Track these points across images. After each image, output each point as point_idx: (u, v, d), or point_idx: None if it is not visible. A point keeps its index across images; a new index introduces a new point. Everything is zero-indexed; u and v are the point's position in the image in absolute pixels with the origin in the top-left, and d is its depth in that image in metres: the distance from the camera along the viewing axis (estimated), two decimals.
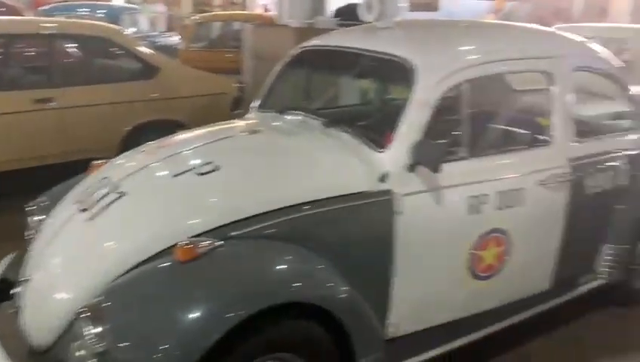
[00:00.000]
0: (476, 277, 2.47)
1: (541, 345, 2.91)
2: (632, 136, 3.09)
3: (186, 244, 1.84)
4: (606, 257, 2.99)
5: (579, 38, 3.15)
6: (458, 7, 16.89)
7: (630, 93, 3.16)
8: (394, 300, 2.27)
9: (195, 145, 2.53)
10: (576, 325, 3.09)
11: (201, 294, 1.78)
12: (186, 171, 2.24)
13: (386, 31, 2.93)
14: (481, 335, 2.53)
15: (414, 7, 11.45)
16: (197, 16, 10.93)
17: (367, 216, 2.16)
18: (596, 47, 3.13)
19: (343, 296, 1.98)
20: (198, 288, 1.80)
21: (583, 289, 2.96)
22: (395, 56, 2.47)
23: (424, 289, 2.36)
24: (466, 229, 2.38)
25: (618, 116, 3.24)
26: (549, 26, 5.60)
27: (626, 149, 3.01)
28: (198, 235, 1.93)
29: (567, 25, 7.42)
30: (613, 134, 3.07)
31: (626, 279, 3.13)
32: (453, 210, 2.32)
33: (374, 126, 2.71)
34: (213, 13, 13.36)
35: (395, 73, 2.56)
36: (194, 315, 1.70)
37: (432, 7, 9.71)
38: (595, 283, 2.99)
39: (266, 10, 14.12)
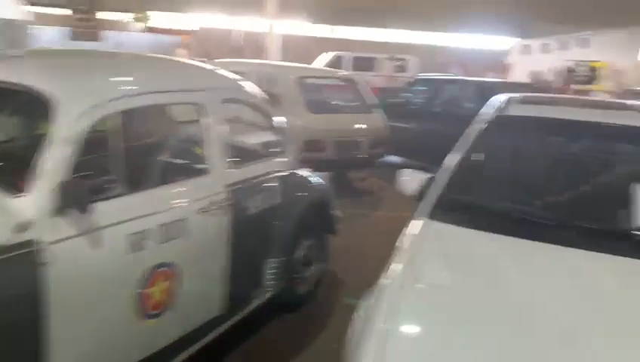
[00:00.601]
0: (147, 316, 2.37)
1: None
2: (280, 160, 3.48)
3: None
4: (270, 271, 3.27)
5: (227, 73, 3.39)
6: (132, 39, 16.66)
7: (274, 122, 3.55)
8: None
9: None
10: (257, 337, 3.28)
11: None
12: None
13: (17, 60, 2.60)
14: None
15: (76, 37, 10.78)
16: None
17: (4, 274, 1.83)
18: (242, 80, 3.42)
19: None
20: None
21: (255, 304, 3.17)
22: (29, 87, 2.19)
23: (89, 343, 2.14)
24: (130, 269, 2.26)
25: (268, 142, 3.60)
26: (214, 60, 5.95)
27: (277, 171, 3.36)
28: None
29: (228, 60, 7.99)
30: (265, 159, 3.40)
31: (291, 287, 3.49)
32: (112, 251, 2.17)
33: (9, 167, 2.35)
34: None
35: (31, 106, 2.28)
36: None
37: (94, 37, 9.26)
38: (264, 297, 3.23)
39: None
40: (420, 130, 8.09)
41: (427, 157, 6.59)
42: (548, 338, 1.66)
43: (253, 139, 3.60)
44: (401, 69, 18.35)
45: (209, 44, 19.73)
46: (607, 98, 10.88)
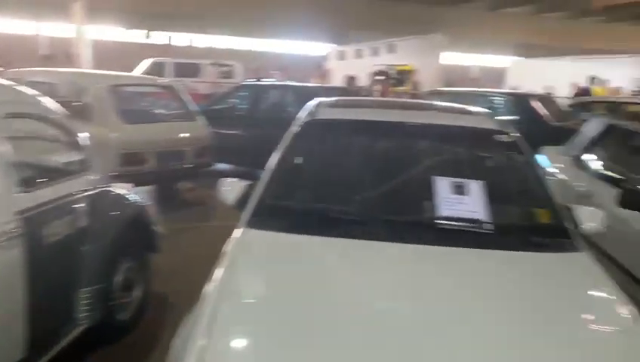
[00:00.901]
0: None
1: None
2: (86, 178, 3.16)
3: None
4: (83, 302, 2.95)
5: (13, 85, 2.99)
6: None
7: (77, 137, 3.22)
8: None
9: None
10: None
11: None
12: None
13: None
14: None
15: None
16: None
17: None
18: (34, 93, 3.04)
19: None
20: None
21: (66, 340, 2.83)
22: None
23: None
24: None
25: (69, 160, 3.23)
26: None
27: (82, 191, 3.04)
28: None
29: (27, 70, 7.16)
30: (67, 178, 3.04)
31: (110, 316, 3.19)
32: None
33: None
34: None
35: None
36: None
37: None
38: (76, 332, 2.91)
39: None
40: (246, 135, 8.09)
41: (254, 163, 6.62)
42: (371, 338, 1.69)
43: (52, 158, 3.20)
44: (228, 74, 18.24)
45: (12, 52, 17.59)
46: (410, 99, 11.98)
